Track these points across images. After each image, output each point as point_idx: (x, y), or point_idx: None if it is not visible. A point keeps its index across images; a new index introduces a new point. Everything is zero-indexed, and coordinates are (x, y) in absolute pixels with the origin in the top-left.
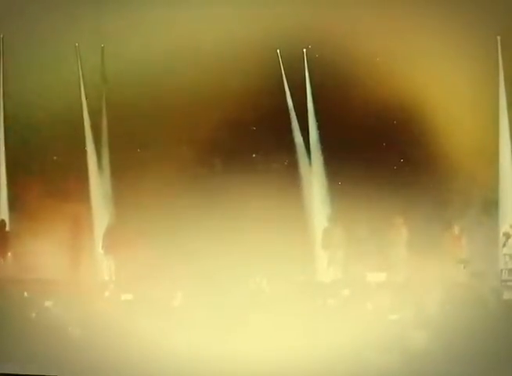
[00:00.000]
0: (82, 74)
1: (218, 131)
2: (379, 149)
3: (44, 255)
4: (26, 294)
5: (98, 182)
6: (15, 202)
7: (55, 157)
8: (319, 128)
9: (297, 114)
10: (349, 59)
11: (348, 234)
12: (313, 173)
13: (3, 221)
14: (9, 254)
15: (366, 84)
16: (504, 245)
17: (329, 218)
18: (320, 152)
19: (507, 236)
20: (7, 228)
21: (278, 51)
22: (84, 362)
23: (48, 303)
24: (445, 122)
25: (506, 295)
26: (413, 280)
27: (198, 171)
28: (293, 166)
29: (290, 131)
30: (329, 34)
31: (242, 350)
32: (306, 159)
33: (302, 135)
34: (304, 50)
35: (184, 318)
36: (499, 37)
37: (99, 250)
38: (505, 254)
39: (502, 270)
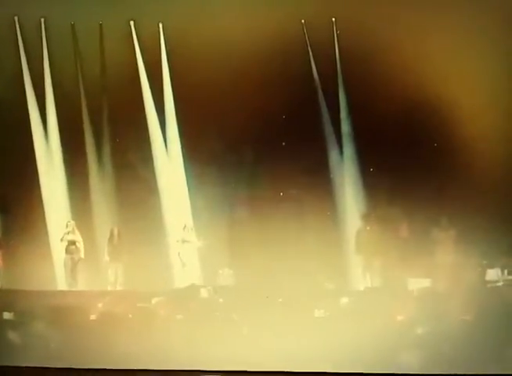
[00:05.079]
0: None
1: (246, 119)
2: (412, 134)
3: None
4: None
5: (98, 181)
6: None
7: None
8: (350, 114)
9: (326, 100)
10: (380, 43)
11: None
12: (344, 161)
13: None
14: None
15: (399, 68)
16: None
17: (363, 216)
18: (351, 139)
19: None
20: None
21: (302, 21)
22: None
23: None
24: (480, 106)
25: None
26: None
27: (227, 160)
28: (323, 153)
29: (320, 117)
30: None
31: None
32: (336, 146)
33: (332, 122)
34: (334, 19)
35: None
36: None
37: (105, 257)
38: None
39: None
